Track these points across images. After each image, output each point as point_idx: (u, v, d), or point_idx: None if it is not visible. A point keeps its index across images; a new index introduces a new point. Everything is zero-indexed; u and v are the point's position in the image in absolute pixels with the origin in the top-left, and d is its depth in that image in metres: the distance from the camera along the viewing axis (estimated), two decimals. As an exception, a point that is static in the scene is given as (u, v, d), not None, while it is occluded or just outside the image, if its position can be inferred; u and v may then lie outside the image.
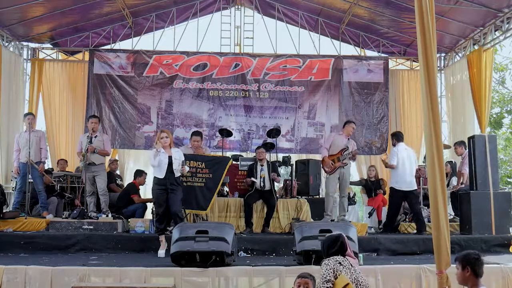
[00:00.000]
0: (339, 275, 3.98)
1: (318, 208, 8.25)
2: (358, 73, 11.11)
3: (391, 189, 8.08)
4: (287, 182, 8.78)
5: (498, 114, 16.41)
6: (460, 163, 8.93)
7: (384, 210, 9.01)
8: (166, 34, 11.29)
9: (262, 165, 8.04)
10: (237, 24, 11.27)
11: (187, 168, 6.77)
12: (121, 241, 6.87)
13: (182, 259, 5.33)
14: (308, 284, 3.91)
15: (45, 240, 6.79)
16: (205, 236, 5.32)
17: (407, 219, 8.42)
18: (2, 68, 9.37)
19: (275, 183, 8.23)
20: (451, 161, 9.45)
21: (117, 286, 5.03)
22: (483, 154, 7.74)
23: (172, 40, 11.18)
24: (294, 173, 9.16)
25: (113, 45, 11.23)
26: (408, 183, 7.86)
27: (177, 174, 6.50)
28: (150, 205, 8.70)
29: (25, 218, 7.60)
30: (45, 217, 7.81)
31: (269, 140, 9.76)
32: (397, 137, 8.20)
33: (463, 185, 8.58)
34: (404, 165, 7.88)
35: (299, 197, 8.55)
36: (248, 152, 10.82)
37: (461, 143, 8.86)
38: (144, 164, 10.81)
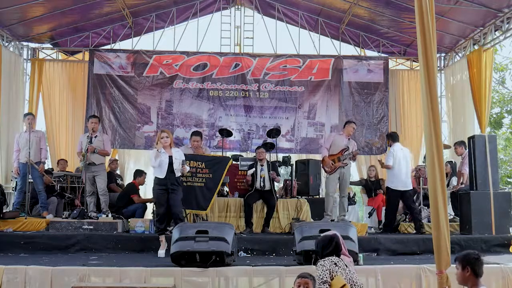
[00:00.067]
0: (335, 276, 3.99)
1: (318, 208, 8.25)
2: (358, 73, 11.11)
3: (387, 189, 8.15)
4: (287, 182, 8.78)
5: (498, 114, 16.41)
6: (460, 163, 8.93)
7: (384, 210, 9.01)
8: (166, 34, 11.30)
9: (262, 165, 8.04)
10: (237, 24, 11.27)
11: (187, 168, 6.76)
12: (121, 241, 6.87)
13: (182, 259, 5.33)
14: (308, 284, 3.91)
15: (45, 240, 6.79)
16: (205, 236, 5.31)
17: (407, 219, 8.42)
18: (2, 68, 9.37)
19: (275, 183, 8.23)
20: (451, 161, 9.45)
21: (117, 286, 5.03)
22: (483, 154, 7.74)
23: (172, 40, 11.20)
24: (294, 173, 9.17)
25: (113, 45, 11.23)
26: (403, 183, 7.93)
27: (178, 174, 6.50)
28: (150, 205, 8.70)
29: (25, 218, 7.60)
30: (45, 217, 7.81)
31: (269, 140, 9.77)
32: (393, 137, 8.24)
33: (463, 185, 8.58)
34: (400, 165, 7.93)
35: (299, 197, 8.55)
36: (248, 152, 10.82)
37: (461, 143, 8.86)
38: (144, 164, 10.81)
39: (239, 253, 6.34)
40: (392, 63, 11.59)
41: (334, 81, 11.06)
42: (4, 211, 7.68)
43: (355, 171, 11.57)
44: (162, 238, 6.47)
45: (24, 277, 5.08)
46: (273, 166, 8.07)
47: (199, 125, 10.76)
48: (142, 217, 8.16)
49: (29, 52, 11.01)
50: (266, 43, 11.38)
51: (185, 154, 6.90)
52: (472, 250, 3.76)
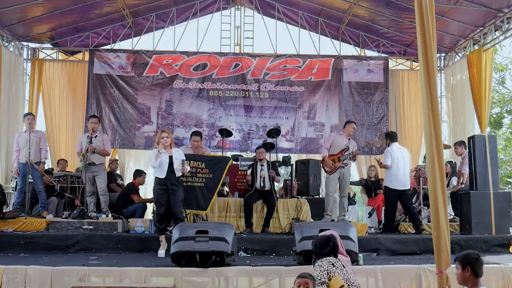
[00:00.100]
0: (333, 276, 4.00)
1: (318, 208, 8.25)
2: (358, 73, 11.11)
3: (386, 188, 8.17)
4: (287, 182, 8.78)
5: (498, 114, 16.41)
6: (460, 163, 8.93)
7: (384, 210, 9.01)
8: (166, 34, 11.30)
9: (262, 165, 8.04)
10: (237, 24, 11.27)
11: (188, 168, 6.74)
12: (121, 241, 6.86)
13: (182, 259, 5.32)
14: (308, 284, 3.91)
15: (45, 240, 6.79)
16: (205, 236, 5.31)
17: (407, 219, 8.42)
18: (2, 68, 9.38)
19: (275, 183, 8.23)
20: (451, 161, 9.45)
21: (117, 286, 5.03)
22: (483, 154, 7.74)
23: (172, 40, 11.20)
24: (294, 173, 9.16)
25: (113, 45, 11.23)
26: (402, 182, 7.95)
27: (178, 173, 6.50)
28: (150, 205, 8.70)
29: (25, 218, 7.60)
30: (45, 217, 7.81)
31: (269, 140, 9.77)
32: (391, 137, 8.25)
33: (463, 185, 8.58)
34: (398, 164, 7.94)
35: (299, 197, 8.55)
36: (248, 152, 10.83)
37: (461, 143, 8.86)
38: (144, 164, 10.82)
39: (239, 253, 6.34)
40: (392, 63, 11.59)
41: (334, 81, 11.06)
42: (4, 211, 7.68)
43: (355, 171, 11.57)
44: (162, 238, 6.47)
45: (24, 277, 5.08)
46: (273, 166, 8.07)
47: (199, 125, 10.77)
48: (142, 217, 8.16)
49: (29, 52, 11.01)
50: (266, 43, 11.40)
51: (185, 154, 6.90)
52: (472, 250, 3.76)
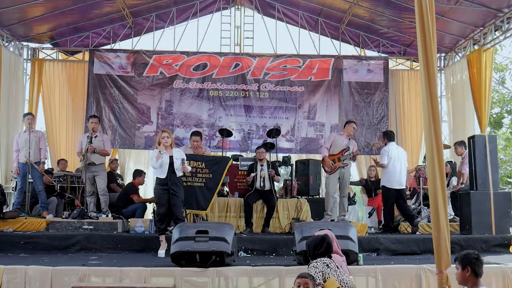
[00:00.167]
0: (328, 278, 3.99)
1: (318, 208, 8.25)
2: (358, 73, 11.12)
3: (383, 187, 8.15)
4: (287, 182, 8.78)
5: (498, 114, 16.40)
6: (460, 163, 8.93)
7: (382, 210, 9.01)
8: (166, 34, 11.30)
9: (262, 165, 8.04)
10: (237, 24, 11.28)
11: (189, 168, 6.72)
12: (121, 241, 6.86)
13: (182, 259, 5.32)
14: (308, 284, 3.90)
15: (45, 240, 6.78)
16: (205, 236, 5.31)
17: (407, 219, 8.42)
18: (2, 68, 9.38)
19: (275, 183, 8.23)
20: (451, 161, 9.45)
21: (117, 286, 5.03)
22: (483, 154, 7.74)
23: (172, 40, 11.20)
24: (294, 173, 9.16)
25: (113, 45, 11.24)
26: (398, 181, 7.97)
27: (179, 173, 6.49)
28: (150, 205, 8.70)
29: (25, 218, 7.60)
30: (45, 217, 7.81)
31: (269, 140, 9.77)
32: (389, 136, 8.25)
33: (463, 185, 8.58)
34: (395, 164, 7.96)
35: (299, 197, 8.55)
36: (248, 152, 10.83)
37: (461, 143, 8.86)
38: (144, 164, 10.83)
39: (239, 253, 6.33)
40: (392, 63, 11.59)
41: (334, 81, 11.07)
42: (4, 211, 7.68)
43: (355, 171, 11.57)
44: (162, 238, 6.46)
45: (24, 277, 5.08)
46: (273, 166, 8.06)
47: (199, 125, 10.77)
48: (142, 217, 8.15)
49: (29, 52, 11.02)
50: (266, 43, 11.40)
51: (185, 154, 6.89)
52: (472, 250, 3.77)
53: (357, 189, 11.49)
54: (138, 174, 8.84)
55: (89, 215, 7.73)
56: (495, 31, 9.22)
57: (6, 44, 10.09)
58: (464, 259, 3.59)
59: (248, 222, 7.79)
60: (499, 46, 13.90)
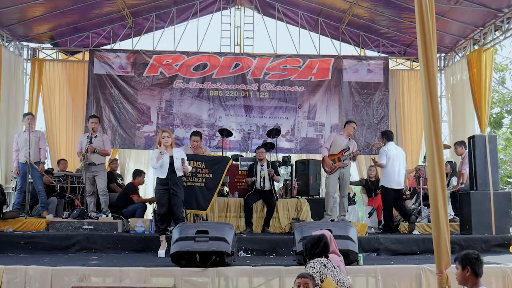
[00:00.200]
0: (325, 278, 3.99)
1: (318, 208, 8.25)
2: (358, 73, 11.12)
3: (382, 187, 8.17)
4: (287, 182, 8.78)
5: (498, 114, 16.40)
6: (460, 163, 8.93)
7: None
8: (166, 34, 11.30)
9: (262, 165, 8.04)
10: (237, 24, 11.28)
11: (189, 167, 6.70)
12: (121, 241, 6.86)
13: (182, 259, 5.32)
14: (308, 284, 3.90)
15: (45, 240, 6.78)
16: (205, 236, 5.31)
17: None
18: (2, 68, 9.38)
19: (275, 183, 8.23)
20: (451, 161, 9.45)
21: (117, 286, 5.03)
22: (483, 154, 7.74)
23: (172, 40, 11.20)
24: (294, 173, 9.16)
25: (113, 45, 11.24)
26: (397, 181, 7.99)
27: (180, 173, 6.49)
28: (150, 205, 8.70)
29: (25, 218, 7.60)
30: (45, 217, 7.81)
31: (269, 140, 9.77)
32: (387, 136, 8.26)
33: (463, 185, 8.58)
34: (393, 164, 7.97)
35: (299, 197, 8.55)
36: (248, 152, 10.83)
37: (461, 143, 8.86)
38: (144, 164, 10.83)
39: (239, 253, 6.33)
40: (392, 63, 11.59)
41: (334, 81, 11.07)
42: (4, 211, 7.68)
43: (355, 171, 11.57)
44: (163, 238, 6.46)
45: (24, 277, 5.08)
46: (273, 166, 8.06)
47: (199, 125, 10.77)
48: (142, 217, 8.15)
49: (29, 52, 11.02)
50: (266, 43, 11.40)
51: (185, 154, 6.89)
52: (472, 250, 3.76)
53: (357, 189, 11.49)
54: (138, 174, 8.83)
55: (89, 215, 7.73)
56: (495, 31, 9.22)
57: (6, 44, 10.09)
58: (464, 259, 3.59)
59: (248, 222, 7.79)
60: (499, 46, 13.91)
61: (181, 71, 10.93)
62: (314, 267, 4.07)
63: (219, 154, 9.32)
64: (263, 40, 11.50)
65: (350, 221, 7.50)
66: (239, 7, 11.42)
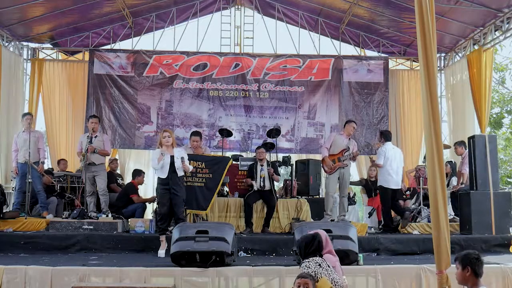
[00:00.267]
0: (320, 278, 3.99)
1: (318, 208, 8.25)
2: (358, 73, 11.12)
3: (380, 187, 8.21)
4: (287, 182, 8.78)
5: (498, 114, 16.40)
6: (460, 163, 8.93)
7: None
8: (166, 34, 11.30)
9: (262, 165, 8.04)
10: (237, 24, 11.28)
11: (190, 167, 6.69)
12: (121, 241, 6.86)
13: (182, 259, 5.32)
14: (308, 284, 3.90)
15: (45, 240, 6.78)
16: (205, 236, 5.31)
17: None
18: (2, 68, 9.38)
19: (275, 183, 8.23)
20: (451, 161, 9.45)
21: (117, 286, 5.03)
22: (483, 154, 7.74)
23: (172, 40, 11.20)
24: (294, 173, 9.16)
25: (113, 45, 11.24)
26: (395, 181, 8.03)
27: (180, 173, 6.49)
28: (149, 205, 8.70)
29: (25, 218, 7.60)
30: (45, 217, 7.81)
31: (269, 140, 9.77)
32: (386, 136, 8.28)
33: (463, 185, 8.58)
34: (392, 164, 8.00)
35: (299, 197, 8.55)
36: (248, 152, 10.83)
37: (461, 143, 8.86)
38: (144, 164, 10.83)
39: (239, 253, 6.33)
40: (392, 63, 11.59)
41: (334, 81, 11.07)
42: (4, 211, 7.68)
43: (355, 171, 11.57)
44: (163, 238, 6.46)
45: (24, 277, 5.08)
46: (273, 166, 8.06)
47: (199, 125, 10.77)
48: (142, 217, 8.15)
49: (29, 52, 11.02)
50: (266, 43, 11.40)
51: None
52: (472, 250, 3.77)
53: (357, 189, 11.49)
54: (138, 174, 8.83)
55: (89, 215, 7.73)
56: (495, 31, 9.22)
57: (6, 44, 10.09)
58: (464, 259, 3.59)
59: (248, 222, 7.79)
60: (499, 46, 13.92)
61: (181, 71, 10.94)
62: (309, 267, 4.06)
63: (219, 154, 9.32)
64: (263, 40, 11.51)
65: (350, 221, 7.50)
66: (239, 7, 11.42)
